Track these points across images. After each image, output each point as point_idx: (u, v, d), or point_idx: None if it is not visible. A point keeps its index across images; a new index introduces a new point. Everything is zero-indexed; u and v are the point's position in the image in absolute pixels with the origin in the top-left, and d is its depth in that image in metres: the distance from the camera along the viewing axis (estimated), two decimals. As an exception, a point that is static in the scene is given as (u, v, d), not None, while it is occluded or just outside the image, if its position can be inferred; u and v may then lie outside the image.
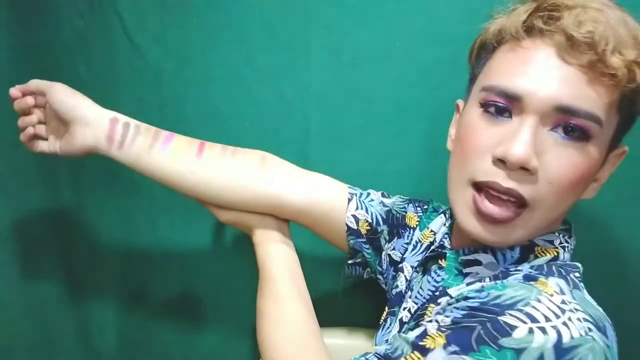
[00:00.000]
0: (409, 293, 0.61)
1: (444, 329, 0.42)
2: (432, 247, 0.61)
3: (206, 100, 0.83)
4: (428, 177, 0.74)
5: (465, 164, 0.49)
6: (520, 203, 0.46)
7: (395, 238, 0.67)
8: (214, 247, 0.88)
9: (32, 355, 0.93)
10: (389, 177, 0.80)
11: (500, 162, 0.46)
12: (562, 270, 0.46)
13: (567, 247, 0.51)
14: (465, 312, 0.42)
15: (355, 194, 0.67)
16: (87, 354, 0.95)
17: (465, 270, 0.54)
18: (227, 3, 0.80)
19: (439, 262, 0.58)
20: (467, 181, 0.49)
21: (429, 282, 0.58)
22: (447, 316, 0.43)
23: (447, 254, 0.57)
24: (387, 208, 0.68)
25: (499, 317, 0.39)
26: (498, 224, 0.47)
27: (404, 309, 0.59)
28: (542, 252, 0.50)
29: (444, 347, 0.40)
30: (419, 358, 0.41)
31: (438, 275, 0.57)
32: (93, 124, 0.63)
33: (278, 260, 0.63)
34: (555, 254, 0.50)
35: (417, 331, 0.44)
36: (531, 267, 0.48)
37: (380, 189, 0.78)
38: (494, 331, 0.39)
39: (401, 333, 0.49)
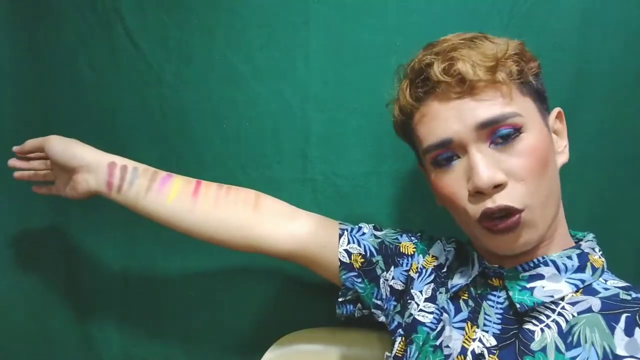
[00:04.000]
0: (457, 323, 0.58)
1: None
2: (475, 273, 0.59)
3: (206, 100, 0.84)
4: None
5: (459, 212, 0.55)
6: (513, 212, 0.51)
7: (392, 267, 0.68)
8: (218, 265, 0.88)
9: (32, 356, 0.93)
10: (388, 177, 0.80)
11: (477, 194, 0.52)
12: None
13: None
14: None
15: (347, 229, 0.69)
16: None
17: (530, 285, 0.54)
18: (227, 3, 0.81)
19: (489, 281, 0.57)
20: (472, 223, 0.54)
21: (492, 307, 0.56)
22: None
23: (505, 273, 0.56)
24: (380, 240, 0.69)
25: None
26: (513, 230, 0.52)
27: (473, 339, 0.55)
28: (595, 261, 0.54)
29: None
30: None
31: (497, 297, 0.56)
32: (93, 170, 0.67)
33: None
34: (602, 264, 0.55)
35: None
36: (626, 289, 0.51)
37: (380, 188, 0.78)
38: None
39: None
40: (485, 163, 0.51)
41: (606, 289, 0.52)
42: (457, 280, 0.61)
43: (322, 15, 0.78)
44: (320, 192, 0.82)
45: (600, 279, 0.53)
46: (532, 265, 0.55)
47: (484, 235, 0.54)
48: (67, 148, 0.67)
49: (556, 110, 0.58)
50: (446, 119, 0.53)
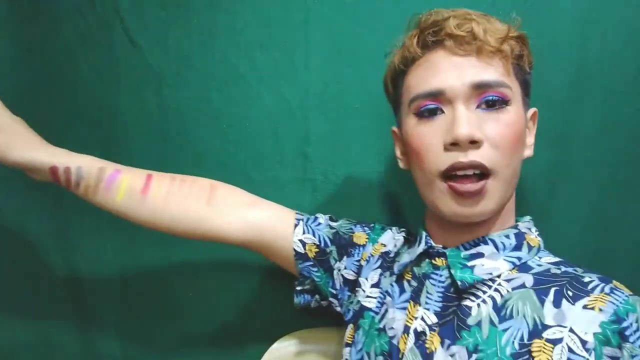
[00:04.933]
0: (401, 303, 0.61)
1: None
2: (420, 250, 0.61)
3: (206, 100, 0.83)
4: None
5: (426, 165, 0.56)
6: (482, 174, 0.53)
7: (345, 257, 0.69)
8: (217, 265, 0.88)
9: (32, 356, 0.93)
10: (388, 177, 0.80)
11: (452, 145, 0.53)
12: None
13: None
14: None
15: (302, 219, 0.70)
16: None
17: (470, 264, 0.56)
18: (227, 3, 0.80)
19: (432, 261, 0.60)
20: (435, 176, 0.55)
21: (434, 285, 0.58)
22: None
23: (447, 252, 0.58)
24: (334, 230, 0.71)
25: None
26: (474, 196, 0.53)
27: (415, 317, 0.58)
28: (531, 240, 0.58)
29: None
30: None
31: (439, 276, 0.58)
32: (37, 172, 0.66)
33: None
34: (539, 243, 0.59)
35: None
36: (564, 266, 0.56)
37: (380, 188, 0.78)
38: None
39: None
40: (467, 119, 0.53)
41: (539, 265, 0.56)
42: (403, 259, 0.63)
43: (321, 15, 0.78)
44: (320, 192, 0.82)
45: (536, 256, 0.57)
46: (472, 244, 0.58)
47: (444, 195, 0.55)
48: (6, 152, 0.63)
49: (533, 109, 0.61)
50: (445, 70, 0.55)
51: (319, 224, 0.71)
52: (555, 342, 0.49)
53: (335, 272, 0.70)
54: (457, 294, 0.56)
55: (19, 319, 0.93)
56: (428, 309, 0.57)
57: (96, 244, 0.90)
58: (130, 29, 0.84)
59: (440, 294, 0.58)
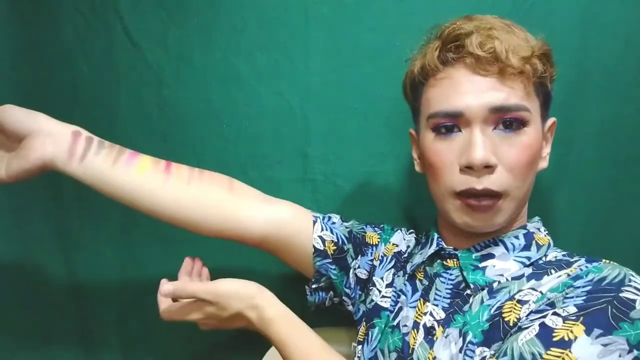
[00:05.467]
0: (413, 301, 0.62)
1: (574, 317, 0.44)
2: (432, 251, 0.62)
3: (206, 100, 0.83)
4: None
5: (441, 181, 0.57)
6: (495, 196, 0.54)
7: (360, 256, 0.70)
8: (218, 265, 0.87)
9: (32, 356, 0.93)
10: (388, 177, 0.80)
11: (467, 168, 0.54)
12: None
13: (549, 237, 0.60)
14: (584, 297, 0.46)
15: (319, 217, 0.70)
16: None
17: (482, 265, 0.57)
18: (227, 3, 0.80)
19: (444, 262, 0.61)
20: (449, 194, 0.56)
21: (443, 283, 0.60)
22: (564, 307, 0.46)
23: (459, 254, 0.59)
24: (349, 229, 0.71)
25: (620, 295, 0.45)
26: (487, 211, 0.55)
27: (424, 313, 0.59)
28: (540, 239, 0.58)
29: (587, 333, 0.43)
30: (562, 352, 0.43)
31: (450, 275, 0.60)
32: (54, 134, 0.59)
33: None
34: (548, 242, 0.59)
35: (532, 331, 0.46)
36: (563, 255, 0.56)
37: (380, 188, 0.78)
38: (622, 307, 0.44)
39: (504, 342, 0.48)
40: (483, 143, 0.53)
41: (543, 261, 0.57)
42: (416, 260, 0.65)
43: (321, 15, 0.78)
44: (320, 192, 0.82)
45: (544, 255, 0.58)
46: (483, 245, 0.59)
47: (456, 208, 0.56)
48: (28, 112, 0.60)
49: (552, 119, 0.60)
50: (465, 92, 0.54)
51: (334, 222, 0.71)
52: (524, 302, 0.51)
53: (351, 270, 0.70)
54: (464, 290, 0.58)
55: (18, 319, 0.93)
56: (437, 305, 0.59)
57: (96, 243, 0.90)
58: (130, 29, 0.84)
59: (449, 291, 0.59)
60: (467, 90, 0.54)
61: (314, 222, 0.69)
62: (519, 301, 0.52)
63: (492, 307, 0.53)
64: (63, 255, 0.91)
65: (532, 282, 0.53)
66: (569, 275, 0.51)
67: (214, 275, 0.86)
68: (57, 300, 0.92)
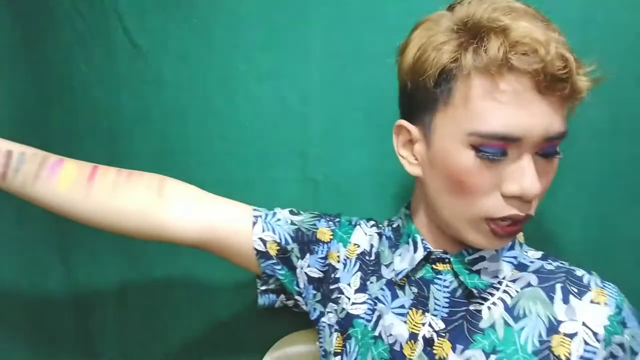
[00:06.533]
0: (406, 310, 0.59)
1: None
2: (420, 257, 0.59)
3: (206, 100, 0.83)
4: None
5: (472, 204, 0.51)
6: (523, 220, 0.52)
7: (308, 254, 0.67)
8: (218, 265, 0.87)
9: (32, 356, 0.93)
10: (388, 177, 0.80)
11: (513, 197, 0.49)
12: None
13: None
14: None
15: (260, 216, 0.66)
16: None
17: (475, 268, 0.57)
18: (227, 3, 0.80)
19: (434, 266, 0.59)
20: (479, 219, 0.51)
21: (440, 291, 0.58)
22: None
23: (451, 258, 0.58)
24: (296, 226, 0.67)
25: None
26: (509, 237, 0.53)
27: (422, 324, 0.57)
28: (519, 237, 0.60)
29: None
30: None
31: (443, 280, 0.58)
32: None
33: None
34: (523, 238, 0.61)
35: None
36: (544, 258, 0.59)
37: (379, 188, 0.78)
38: None
39: None
40: (536, 173, 0.48)
41: (532, 262, 0.59)
42: (400, 265, 0.60)
43: (322, 15, 0.78)
44: (320, 192, 0.82)
45: (523, 252, 0.59)
46: (474, 249, 0.57)
47: (479, 231, 0.52)
48: None
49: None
50: (532, 114, 0.46)
51: (279, 219, 0.67)
52: (571, 335, 0.52)
53: (298, 270, 0.67)
54: (464, 299, 0.56)
55: (18, 319, 0.93)
56: (435, 315, 0.57)
57: (95, 243, 0.90)
58: (130, 29, 0.84)
59: (447, 300, 0.57)
60: (534, 114, 0.46)
61: (254, 223, 0.65)
62: (566, 334, 0.52)
63: (532, 335, 0.52)
64: (62, 256, 0.91)
65: (561, 305, 0.54)
66: (606, 304, 0.53)
67: (213, 275, 0.87)
68: (57, 301, 0.92)
